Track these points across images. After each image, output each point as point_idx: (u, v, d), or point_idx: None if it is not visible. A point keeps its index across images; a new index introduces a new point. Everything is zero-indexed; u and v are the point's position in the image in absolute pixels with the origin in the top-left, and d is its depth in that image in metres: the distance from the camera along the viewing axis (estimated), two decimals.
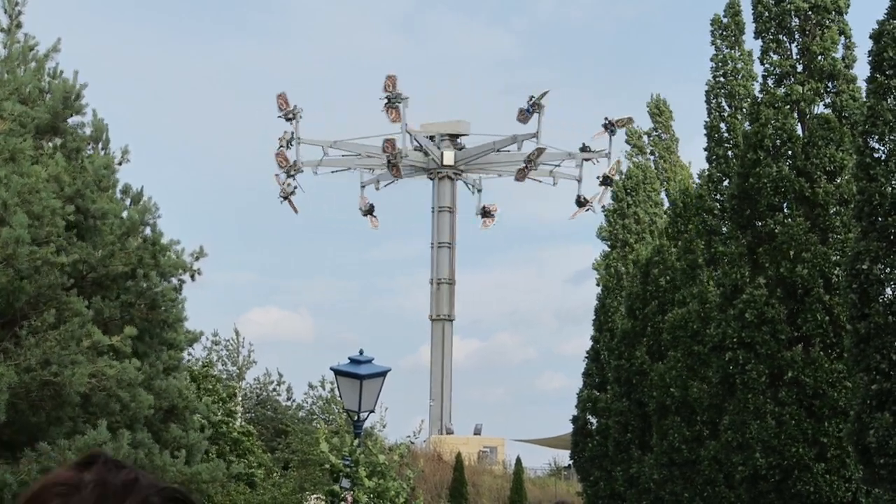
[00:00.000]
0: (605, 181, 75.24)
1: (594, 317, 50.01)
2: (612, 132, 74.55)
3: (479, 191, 79.33)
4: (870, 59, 27.45)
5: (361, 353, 20.09)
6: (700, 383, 37.73)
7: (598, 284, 51.31)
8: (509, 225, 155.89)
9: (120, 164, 20.18)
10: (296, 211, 77.53)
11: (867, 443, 26.02)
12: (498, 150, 77.70)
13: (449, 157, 77.60)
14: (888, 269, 26.56)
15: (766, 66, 35.21)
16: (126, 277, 18.12)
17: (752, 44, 40.47)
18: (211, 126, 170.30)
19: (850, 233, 31.76)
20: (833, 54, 34.45)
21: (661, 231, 46.42)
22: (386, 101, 73.87)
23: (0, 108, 17.23)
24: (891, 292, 26.78)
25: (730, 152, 39.74)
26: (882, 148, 27.23)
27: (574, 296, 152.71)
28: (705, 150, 40.72)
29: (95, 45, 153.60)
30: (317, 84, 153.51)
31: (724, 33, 40.79)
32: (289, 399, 52.81)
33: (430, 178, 79.26)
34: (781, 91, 34.67)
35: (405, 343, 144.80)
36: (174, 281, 19.54)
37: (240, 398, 45.52)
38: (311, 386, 49.75)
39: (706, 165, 41.58)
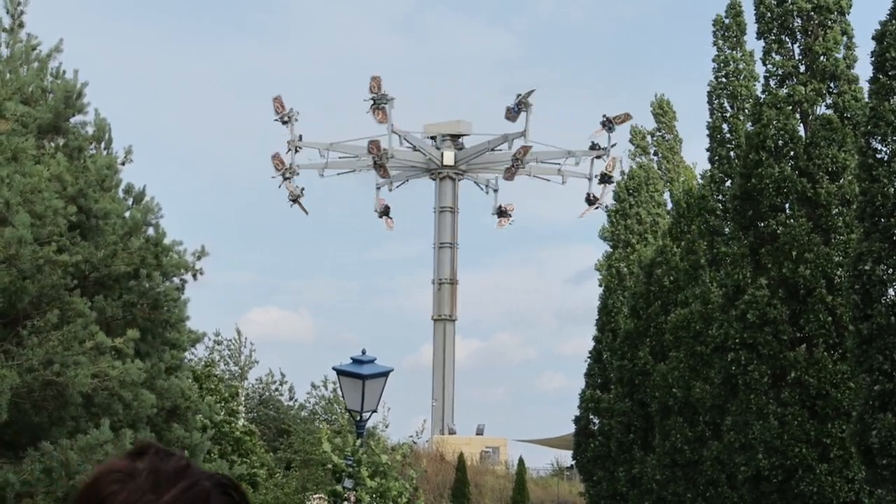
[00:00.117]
0: (604, 178, 75.26)
1: (597, 317, 49.98)
2: (611, 129, 74.62)
3: (496, 191, 79.32)
4: (872, 59, 27.44)
5: (364, 353, 20.09)
6: (702, 384, 37.72)
7: (600, 285, 51.28)
8: (510, 225, 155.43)
9: (123, 164, 20.19)
10: (306, 212, 78.12)
11: (870, 443, 26.01)
12: (492, 150, 77.70)
13: (449, 158, 77.64)
14: (891, 270, 26.55)
15: (769, 66, 35.18)
16: (128, 277, 18.12)
17: (753, 44, 40.54)
18: (211, 126, 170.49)
19: (852, 233, 31.74)
20: (835, 55, 34.42)
21: (664, 231, 46.40)
22: (372, 102, 73.86)
23: (2, 108, 17.24)
24: (893, 293, 26.77)
25: (732, 153, 39.74)
26: (884, 149, 27.22)
27: (574, 296, 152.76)
28: (707, 150, 40.72)
29: (95, 45, 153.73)
30: (317, 84, 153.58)
31: (726, 34, 40.80)
32: (291, 399, 52.81)
33: (433, 179, 79.29)
34: (784, 92, 34.65)
35: (406, 343, 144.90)
36: (176, 281, 19.53)
37: (242, 398, 45.51)
38: (313, 386, 49.76)
39: (708, 166, 41.59)
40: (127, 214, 19.05)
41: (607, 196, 71.98)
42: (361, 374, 19.59)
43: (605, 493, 46.17)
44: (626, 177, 54.62)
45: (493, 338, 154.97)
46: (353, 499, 20.19)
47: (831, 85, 34.60)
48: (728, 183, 39.35)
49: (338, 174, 78.57)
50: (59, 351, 15.33)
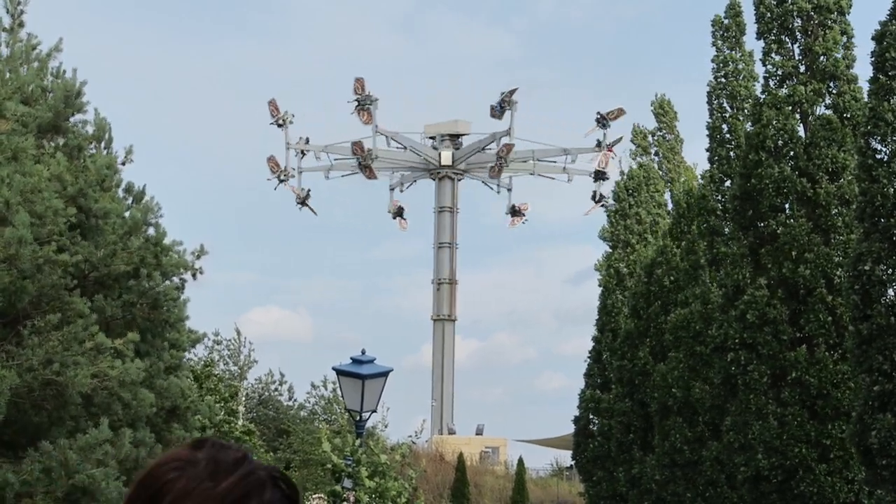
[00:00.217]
0: (599, 175, 75.22)
1: (596, 317, 49.98)
2: (605, 125, 74.64)
3: (509, 190, 79.33)
4: (872, 59, 27.43)
5: (363, 353, 20.08)
6: (702, 384, 37.72)
7: (600, 285, 51.27)
8: (501, 225, 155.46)
9: (123, 163, 20.18)
10: (315, 213, 78.62)
11: (869, 444, 26.01)
12: (483, 149, 77.74)
13: (447, 157, 77.73)
14: (890, 271, 26.55)
15: (768, 66, 35.18)
16: (128, 277, 18.11)
17: (752, 44, 40.53)
18: (211, 126, 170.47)
19: (851, 233, 31.75)
20: (835, 55, 34.41)
21: (664, 231, 46.41)
22: (356, 103, 73.96)
23: (2, 108, 17.23)
24: (893, 293, 26.76)
25: (732, 153, 39.73)
26: (884, 149, 27.22)
27: (574, 296, 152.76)
28: (707, 150, 40.72)
29: (95, 45, 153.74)
30: (317, 84, 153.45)
31: (725, 34, 40.80)
32: (290, 399, 52.79)
33: (432, 179, 79.34)
34: (783, 92, 34.65)
35: (406, 343, 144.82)
36: (176, 280, 19.52)
37: (242, 398, 45.50)
38: (313, 386, 49.76)
39: (708, 166, 41.59)
40: (127, 214, 19.05)
41: (605, 192, 72.15)
42: (361, 374, 19.59)
43: (604, 494, 46.17)
44: (625, 177, 54.59)
45: (493, 338, 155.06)
46: (352, 499, 20.18)
47: (831, 85, 34.60)
48: (728, 183, 39.35)
49: (342, 176, 78.70)
50: (58, 351, 15.33)
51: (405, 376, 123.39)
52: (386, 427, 37.71)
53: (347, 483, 20.63)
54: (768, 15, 35.15)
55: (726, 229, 38.08)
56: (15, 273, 15.57)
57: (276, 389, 52.74)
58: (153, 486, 1.96)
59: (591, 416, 48.38)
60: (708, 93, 40.79)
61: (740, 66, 40.74)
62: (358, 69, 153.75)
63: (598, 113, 74.69)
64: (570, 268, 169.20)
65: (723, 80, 40.63)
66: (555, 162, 78.51)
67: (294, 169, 76.92)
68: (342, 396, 22.00)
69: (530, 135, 76.36)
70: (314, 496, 33.55)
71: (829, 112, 34.36)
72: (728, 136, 40.12)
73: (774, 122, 34.09)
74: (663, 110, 58.55)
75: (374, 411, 20.93)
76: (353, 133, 77.54)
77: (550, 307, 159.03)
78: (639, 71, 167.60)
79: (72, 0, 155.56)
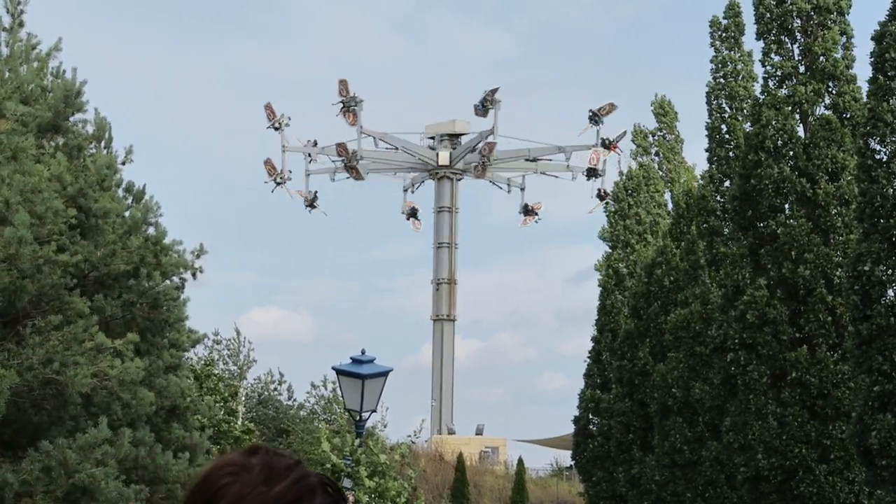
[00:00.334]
0: (591, 173, 75.21)
1: (596, 317, 50.00)
2: (598, 122, 74.72)
3: (522, 189, 79.46)
4: (871, 60, 27.44)
5: (363, 352, 20.09)
6: (702, 384, 37.72)
7: (599, 285, 51.26)
8: (510, 225, 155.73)
9: (123, 163, 20.17)
10: (325, 214, 79.20)
11: (869, 444, 26.01)
12: (473, 149, 77.87)
13: (444, 157, 77.81)
14: (890, 271, 26.55)
15: (768, 67, 35.19)
16: (128, 276, 18.11)
17: (751, 45, 40.56)
18: (211, 126, 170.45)
19: (851, 233, 31.78)
20: (834, 55, 34.43)
21: (664, 232, 46.42)
22: (341, 105, 74.02)
23: (2, 108, 17.23)
24: (893, 294, 26.77)
25: (731, 153, 39.74)
26: (883, 149, 27.23)
27: (574, 296, 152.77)
28: (706, 150, 40.73)
29: (95, 45, 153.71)
30: (317, 84, 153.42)
31: (724, 35, 40.81)
32: (290, 399, 52.77)
33: (432, 179, 79.40)
34: (783, 92, 34.65)
35: (406, 343, 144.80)
36: (176, 280, 19.51)
37: (242, 397, 45.51)
38: (313, 385, 49.76)
39: (707, 166, 41.60)
40: (126, 214, 19.05)
41: (609, 189, 72.15)
42: (361, 374, 19.60)
43: (604, 494, 46.17)
44: (625, 177, 54.58)
45: (494, 338, 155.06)
46: (351, 499, 20.18)
47: (830, 85, 34.61)
48: (727, 183, 39.36)
49: (347, 178, 78.83)
50: (59, 350, 15.33)
51: (405, 376, 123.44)
52: (385, 427, 37.75)
53: (347, 483, 20.64)
54: (768, 15, 35.15)
55: (726, 230, 38.09)
56: (15, 273, 15.56)
57: (275, 389, 52.74)
58: (208, 490, 2.02)
59: (590, 417, 48.39)
60: (707, 93, 40.82)
61: (739, 67, 40.75)
62: (358, 69, 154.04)
63: (591, 110, 74.84)
64: (571, 268, 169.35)
65: (722, 80, 40.65)
66: (551, 160, 78.60)
67: (291, 171, 77.10)
68: (342, 396, 22.01)
69: (530, 134, 76.73)
70: None
71: (828, 112, 34.37)
72: (727, 136, 40.14)
73: (774, 123, 34.10)
74: (663, 110, 58.54)
75: (374, 411, 20.95)
76: (352, 134, 77.60)
77: (551, 307, 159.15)
78: (639, 71, 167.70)
79: (72, 0, 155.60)
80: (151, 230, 19.35)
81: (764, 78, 35.54)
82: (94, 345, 15.80)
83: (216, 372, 43.03)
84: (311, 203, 77.37)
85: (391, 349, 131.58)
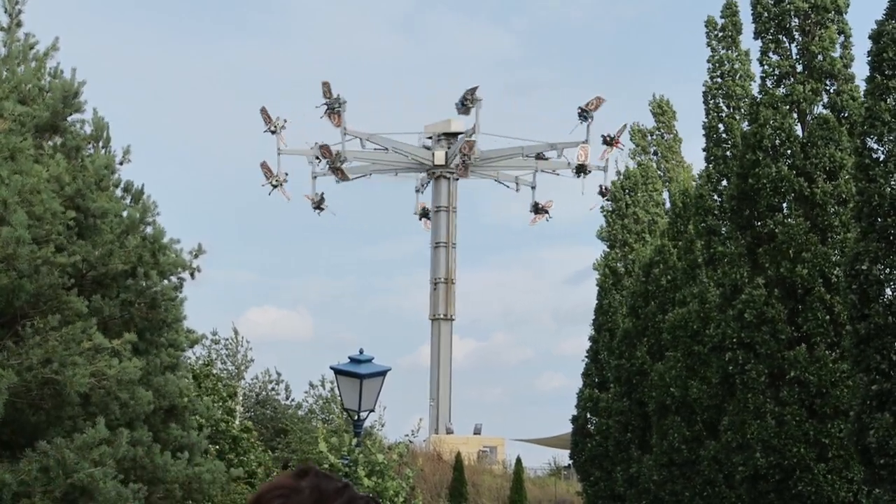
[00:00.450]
0: (580, 169, 75.28)
1: (593, 317, 50.02)
2: (587, 118, 74.83)
3: (533, 187, 79.67)
4: (869, 59, 27.44)
5: (361, 352, 20.09)
6: (700, 383, 37.74)
7: (597, 285, 51.28)
8: (508, 224, 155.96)
9: (121, 163, 20.17)
10: (334, 214, 79.17)
11: (867, 443, 26.01)
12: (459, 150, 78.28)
13: (440, 157, 77.97)
14: (888, 270, 26.55)
15: (765, 66, 35.19)
16: (125, 276, 18.10)
17: (748, 44, 40.54)
18: (211, 126, 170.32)
19: (849, 232, 31.81)
20: (832, 54, 34.45)
21: (662, 231, 46.44)
22: (326, 107, 74.28)
23: (0, 108, 17.22)
24: (890, 293, 26.77)
25: (728, 152, 39.73)
26: (881, 148, 27.23)
27: (572, 296, 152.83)
28: (704, 150, 40.71)
29: (95, 45, 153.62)
30: (317, 84, 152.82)
31: (721, 34, 40.79)
32: (287, 398, 52.80)
33: (430, 178, 79.49)
34: (781, 91, 34.66)
35: (404, 343, 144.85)
36: (174, 280, 19.51)
37: (240, 397, 45.51)
38: (311, 385, 49.79)
39: (705, 166, 41.57)
40: (124, 213, 19.04)
41: (591, 183, 72.66)
42: (359, 374, 19.60)
43: (602, 493, 46.19)
44: (622, 176, 54.60)
45: (492, 338, 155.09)
46: None
47: (828, 84, 34.62)
48: (725, 182, 39.36)
49: (353, 178, 79.11)
50: (58, 351, 15.32)
51: (403, 376, 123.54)
52: (383, 426, 37.74)
53: None
54: (765, 14, 35.15)
55: (723, 229, 38.10)
56: (13, 274, 15.56)
57: (272, 388, 52.75)
58: None
59: (588, 416, 48.42)
60: (704, 93, 40.76)
61: (736, 66, 40.72)
62: (358, 69, 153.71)
63: (579, 107, 74.98)
64: (569, 268, 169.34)
65: (719, 79, 40.62)
66: (547, 158, 78.73)
67: (287, 174, 77.39)
68: (340, 396, 22.01)
69: (531, 134, 76.42)
70: None
71: (826, 111, 34.38)
72: (724, 135, 40.12)
73: (772, 122, 34.10)
74: (661, 110, 58.57)
75: (372, 410, 20.95)
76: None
77: (549, 307, 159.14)
78: (638, 71, 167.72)
79: (71, 0, 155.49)
80: (149, 229, 19.34)
81: (762, 77, 35.52)
82: (93, 345, 15.79)
83: (214, 372, 43.03)
84: (318, 205, 77.62)
85: (389, 349, 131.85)
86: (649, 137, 58.08)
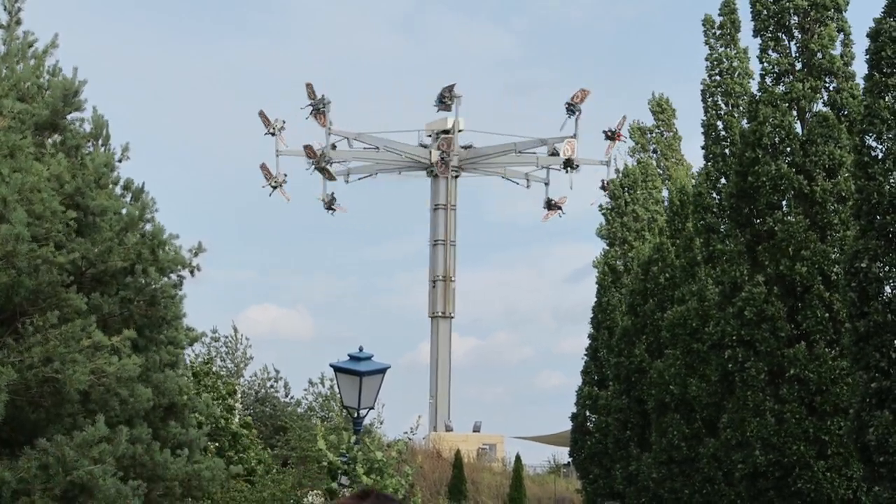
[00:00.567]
0: (567, 164, 75.42)
1: (591, 315, 50.03)
2: (573, 111, 75.03)
3: (547, 184, 79.94)
4: (867, 57, 27.44)
5: (361, 349, 20.10)
6: (699, 381, 37.75)
7: (597, 282, 51.30)
8: (506, 223, 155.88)
9: (120, 161, 20.17)
10: (345, 210, 79.34)
11: (867, 441, 26.01)
12: (466, 146, 78.72)
13: (437, 155, 78.11)
14: (887, 268, 26.55)
15: (765, 64, 35.19)
16: (125, 273, 18.11)
17: (747, 41, 40.52)
18: (211, 126, 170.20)
19: (848, 230, 31.84)
20: (832, 51, 34.45)
21: (660, 229, 46.45)
22: (311, 108, 74.70)
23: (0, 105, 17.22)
24: (890, 290, 26.77)
25: (727, 150, 39.73)
26: (880, 146, 27.24)
27: (572, 294, 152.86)
28: (703, 148, 40.71)
29: (95, 44, 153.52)
30: (317, 85, 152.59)
31: (719, 32, 40.77)
32: (287, 395, 52.81)
33: (429, 176, 79.55)
34: (780, 89, 34.66)
35: (405, 341, 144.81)
36: (173, 277, 19.51)
37: (239, 395, 45.52)
38: (310, 383, 49.78)
39: (704, 164, 41.57)
40: (123, 211, 19.05)
41: (584, 178, 72.97)
42: (358, 371, 19.61)
43: (601, 491, 46.22)
44: (621, 174, 54.63)
45: (492, 336, 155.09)
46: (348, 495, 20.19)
47: (827, 80, 34.62)
48: (724, 180, 39.36)
49: (360, 178, 79.58)
50: (58, 350, 15.33)
51: (403, 374, 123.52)
52: (381, 424, 37.73)
53: (344, 480, 20.65)
54: (765, 12, 35.16)
55: (722, 227, 38.11)
56: (13, 272, 15.57)
57: (271, 386, 52.76)
58: None
59: (587, 414, 48.44)
60: (702, 91, 40.72)
61: (735, 64, 40.70)
62: (358, 69, 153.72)
63: (566, 102, 75.21)
64: (568, 266, 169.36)
65: (717, 77, 40.59)
66: (535, 153, 78.99)
67: (286, 175, 77.55)
68: (339, 393, 22.02)
69: (532, 134, 76.47)
70: (311, 493, 33.56)
71: (825, 109, 34.39)
72: (724, 133, 40.12)
73: (771, 120, 34.11)
74: (661, 108, 58.59)
75: (372, 408, 20.96)
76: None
77: (549, 305, 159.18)
78: (639, 71, 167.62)
79: (71, 0, 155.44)
80: (148, 227, 19.34)
81: (761, 75, 35.52)
82: (92, 342, 15.80)
83: (214, 369, 43.05)
84: (329, 205, 77.99)
85: (390, 347, 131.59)
86: (649, 135, 58.09)
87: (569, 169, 75.79)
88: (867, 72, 27.59)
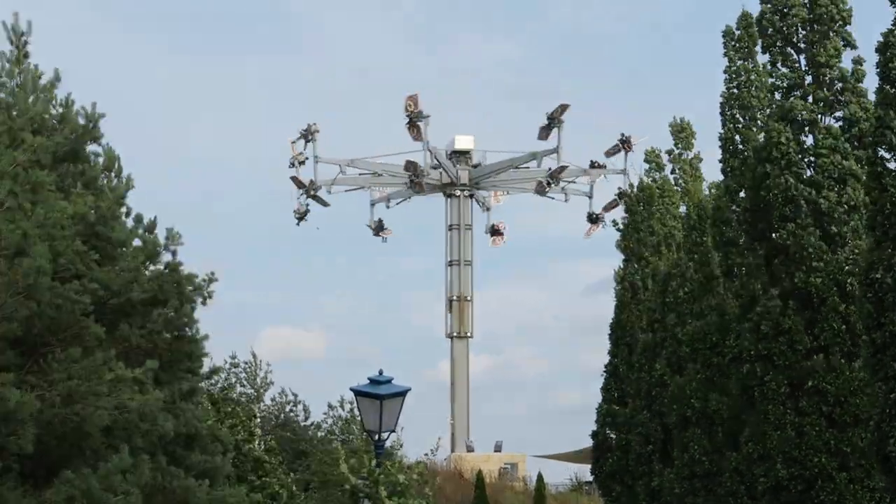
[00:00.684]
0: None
1: (609, 332, 49.97)
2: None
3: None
4: (878, 70, 27.52)
5: (381, 373, 20.17)
6: (720, 395, 37.69)
7: (616, 297, 51.22)
8: (522, 239, 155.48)
9: (127, 190, 20.28)
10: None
11: (888, 452, 25.97)
12: (473, 166, 79.28)
13: (464, 176, 78.52)
14: None
15: (774, 79, 35.39)
16: (146, 304, 18.23)
17: (763, 56, 40.57)
18: (224, 142, 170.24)
19: (859, 240, 32.01)
20: (839, 64, 34.58)
21: (678, 244, 46.47)
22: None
23: (19, 139, 17.39)
24: None
25: (745, 164, 39.72)
26: (892, 158, 27.32)
27: (588, 310, 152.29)
28: (720, 161, 40.70)
29: (104, 61, 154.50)
30: (336, 96, 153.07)
31: (737, 45, 40.78)
32: (306, 419, 52.73)
33: (447, 196, 79.80)
34: (790, 103, 34.75)
35: (422, 359, 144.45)
36: (191, 306, 19.60)
37: (259, 419, 45.56)
38: (330, 406, 49.74)
39: (722, 177, 41.54)
40: (136, 242, 19.17)
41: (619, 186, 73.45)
42: (379, 395, 19.68)
43: None
44: (636, 189, 54.61)
45: (507, 353, 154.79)
46: None
47: (837, 94, 34.70)
48: (742, 194, 39.33)
49: (346, 191, 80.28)
50: (80, 390, 15.44)
51: (423, 393, 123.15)
52: (401, 447, 37.69)
53: (366, 503, 20.72)
54: (771, 29, 35.33)
55: (741, 240, 38.11)
56: (34, 306, 15.70)
57: (291, 410, 52.70)
58: None
59: (608, 431, 48.36)
60: (721, 104, 40.69)
61: (752, 77, 40.69)
62: (371, 82, 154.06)
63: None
64: (583, 282, 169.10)
65: (735, 90, 40.60)
66: (528, 167, 79.34)
67: (317, 188, 77.74)
68: (360, 417, 22.08)
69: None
70: None
71: (835, 122, 34.54)
72: (741, 146, 40.07)
73: (782, 134, 34.21)
74: (681, 128, 58.47)
75: (393, 431, 21.01)
76: (365, 143, 78.57)
77: (565, 321, 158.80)
78: (656, 85, 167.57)
79: (80, 22, 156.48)
80: (168, 256, 19.45)
81: (770, 90, 35.71)
82: (114, 376, 15.91)
83: (233, 395, 43.11)
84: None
85: (407, 366, 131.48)
86: (665, 156, 57.78)
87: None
88: (878, 84, 27.67)
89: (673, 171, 55.30)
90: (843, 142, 33.85)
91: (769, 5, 35.61)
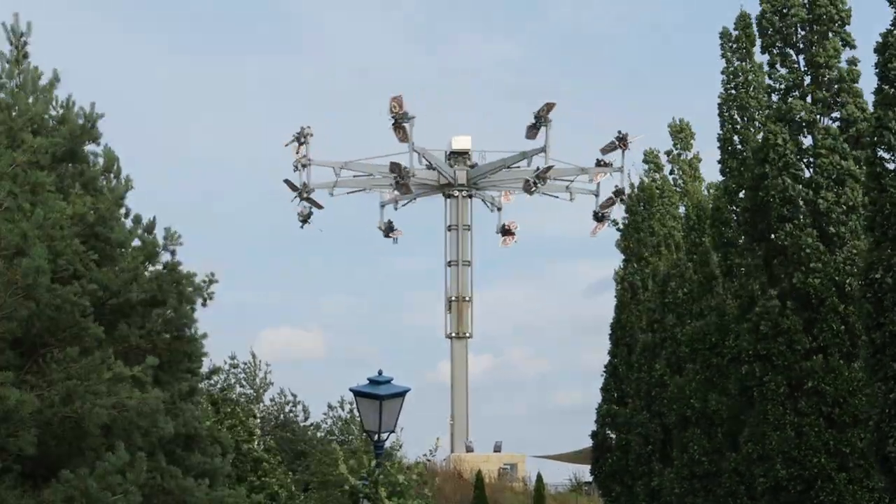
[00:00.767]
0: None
1: (610, 332, 50.00)
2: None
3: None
4: (876, 70, 27.53)
5: (380, 373, 20.15)
6: (719, 395, 37.71)
7: (616, 297, 51.24)
8: (521, 239, 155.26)
9: (126, 190, 20.29)
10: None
11: (887, 452, 25.98)
12: (472, 166, 79.26)
13: (461, 176, 78.42)
14: None
15: (772, 80, 35.41)
16: (146, 304, 18.24)
17: (762, 56, 40.58)
18: (223, 142, 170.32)
19: (857, 240, 32.02)
20: (838, 65, 34.60)
21: (677, 244, 46.48)
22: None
23: (18, 139, 17.40)
24: None
25: (744, 164, 39.74)
26: (891, 158, 27.32)
27: (587, 310, 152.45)
28: (719, 162, 40.72)
29: (104, 61, 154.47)
30: (335, 97, 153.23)
31: (735, 46, 40.79)
32: (306, 419, 52.71)
33: (446, 197, 79.79)
34: (789, 103, 34.77)
35: (422, 360, 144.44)
36: (191, 307, 19.60)
37: (258, 420, 45.54)
38: (330, 406, 49.75)
39: (720, 178, 41.55)
40: (136, 242, 19.17)
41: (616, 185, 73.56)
42: (378, 395, 19.66)
43: None
44: (636, 189, 54.61)
45: (507, 353, 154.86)
46: None
47: (836, 95, 34.71)
48: (741, 194, 39.35)
49: (348, 193, 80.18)
50: (79, 390, 15.44)
51: (422, 393, 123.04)
52: (400, 447, 37.69)
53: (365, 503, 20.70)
54: (771, 29, 35.35)
55: (740, 240, 38.13)
56: (33, 306, 15.71)
57: (290, 411, 52.67)
58: None
59: (608, 431, 48.38)
60: (719, 104, 40.70)
61: (750, 77, 40.71)
62: (369, 82, 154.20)
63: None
64: (583, 282, 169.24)
65: (733, 91, 40.60)
66: (519, 167, 79.45)
67: (316, 185, 77.84)
68: (359, 418, 22.06)
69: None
70: None
71: (833, 122, 34.56)
72: (740, 147, 40.08)
73: (780, 134, 34.23)
74: (680, 128, 58.48)
75: (393, 431, 21.00)
76: (362, 143, 78.72)
77: (565, 321, 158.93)
78: (654, 84, 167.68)
79: (79, 23, 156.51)
80: (167, 257, 19.45)
81: (769, 91, 35.73)
82: (113, 374, 15.92)
83: (233, 396, 43.12)
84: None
85: (407, 366, 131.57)
86: (664, 157, 57.80)
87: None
88: (877, 85, 27.67)
89: (672, 172, 55.28)
90: (842, 142, 33.89)
91: (769, 5, 35.61)
